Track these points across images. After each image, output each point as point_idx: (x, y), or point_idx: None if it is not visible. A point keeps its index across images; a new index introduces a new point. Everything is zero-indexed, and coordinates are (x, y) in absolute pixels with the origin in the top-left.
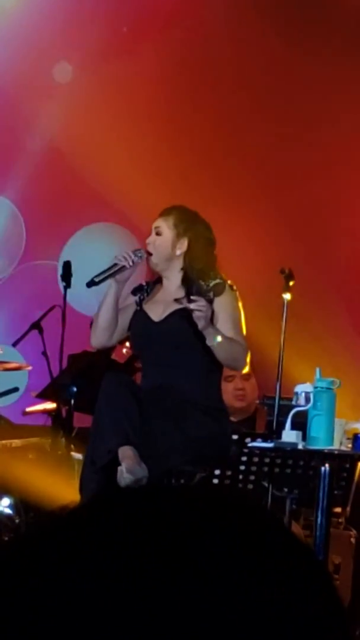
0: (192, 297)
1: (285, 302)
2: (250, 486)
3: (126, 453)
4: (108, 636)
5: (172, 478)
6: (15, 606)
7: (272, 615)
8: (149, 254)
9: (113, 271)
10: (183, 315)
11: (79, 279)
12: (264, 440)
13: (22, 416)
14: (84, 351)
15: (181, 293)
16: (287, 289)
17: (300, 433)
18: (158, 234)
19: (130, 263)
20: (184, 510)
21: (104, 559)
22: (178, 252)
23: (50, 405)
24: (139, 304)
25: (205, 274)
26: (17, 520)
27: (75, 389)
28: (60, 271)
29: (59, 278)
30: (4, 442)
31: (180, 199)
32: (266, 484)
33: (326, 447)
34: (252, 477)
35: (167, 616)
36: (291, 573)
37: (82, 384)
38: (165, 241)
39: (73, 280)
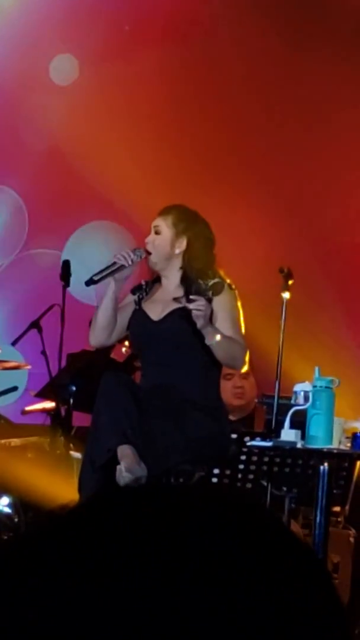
0: (191, 297)
1: (284, 301)
2: (249, 485)
3: (125, 452)
4: (108, 635)
5: (171, 477)
6: (15, 605)
7: (271, 614)
8: (148, 253)
9: (112, 270)
10: (182, 315)
11: (79, 275)
12: (263, 439)
13: (21, 415)
14: (83, 350)
15: (180, 292)
16: (286, 287)
17: (299, 432)
18: (157, 233)
19: (130, 262)
20: (183, 509)
21: (103, 558)
22: (177, 251)
23: (49, 405)
24: (138, 303)
25: (204, 273)
26: (16, 519)
27: (74, 388)
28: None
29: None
30: (3, 441)
31: (180, 198)
32: (265, 483)
33: (325, 446)
34: (251, 476)
35: (167, 615)
36: (290, 572)
37: (81, 383)
38: (164, 240)
39: (72, 278)
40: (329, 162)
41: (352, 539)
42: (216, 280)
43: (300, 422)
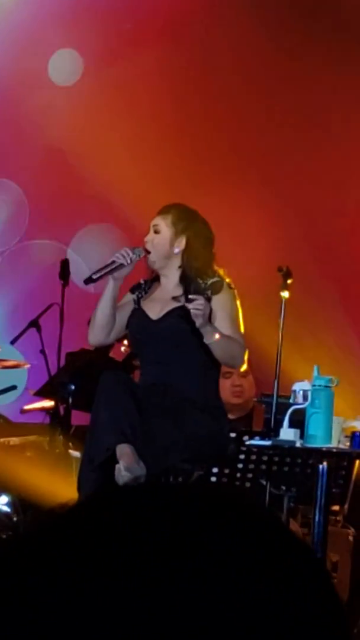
0: (190, 296)
1: (283, 300)
2: (248, 484)
3: (124, 451)
4: (107, 634)
5: (170, 476)
6: (15, 605)
7: (270, 613)
8: (147, 252)
9: (111, 269)
10: (181, 314)
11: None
12: (262, 438)
13: (20, 414)
14: (82, 349)
15: (179, 291)
16: (285, 286)
17: (298, 431)
18: (156, 232)
19: (129, 261)
20: (182, 508)
21: (102, 557)
22: (176, 250)
23: (48, 403)
24: (137, 302)
25: (203, 272)
26: (15, 518)
27: (73, 387)
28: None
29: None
30: (2, 440)
31: (180, 197)
32: (264, 482)
33: (324, 445)
34: (250, 475)
35: (166, 614)
36: (289, 571)
37: (80, 382)
38: (164, 239)
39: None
40: (328, 162)
41: (351, 538)
42: (215, 279)
43: (299, 421)
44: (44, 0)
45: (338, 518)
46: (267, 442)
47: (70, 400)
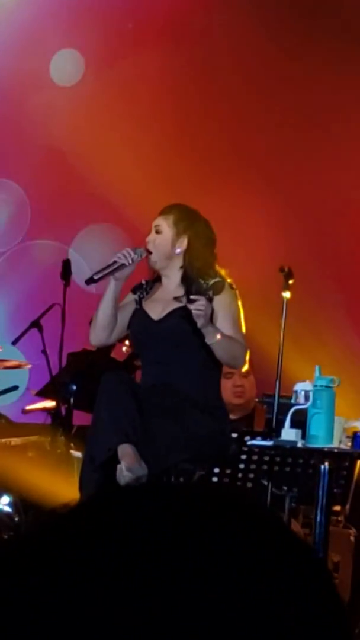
0: (192, 297)
1: (285, 300)
2: (249, 484)
3: (126, 451)
4: (108, 634)
5: (172, 476)
6: (16, 605)
7: (271, 613)
8: (149, 252)
9: (112, 269)
10: (182, 314)
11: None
12: (264, 439)
13: (21, 414)
14: (83, 349)
15: (181, 291)
16: (287, 287)
17: (299, 431)
18: (158, 232)
19: (130, 261)
20: (183, 508)
21: (103, 557)
22: (178, 250)
23: (49, 404)
24: (139, 302)
25: (204, 273)
26: (16, 519)
27: (74, 387)
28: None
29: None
30: (3, 440)
31: (181, 198)
32: (265, 482)
33: (326, 446)
34: (251, 475)
35: (167, 614)
36: (291, 571)
37: (82, 382)
38: (165, 239)
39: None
40: (330, 162)
41: (352, 538)
42: (217, 279)
43: (300, 421)
44: (45, 0)
45: (339, 518)
46: (269, 443)
47: (71, 400)
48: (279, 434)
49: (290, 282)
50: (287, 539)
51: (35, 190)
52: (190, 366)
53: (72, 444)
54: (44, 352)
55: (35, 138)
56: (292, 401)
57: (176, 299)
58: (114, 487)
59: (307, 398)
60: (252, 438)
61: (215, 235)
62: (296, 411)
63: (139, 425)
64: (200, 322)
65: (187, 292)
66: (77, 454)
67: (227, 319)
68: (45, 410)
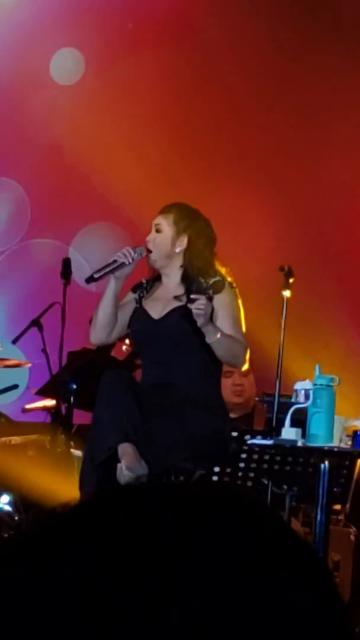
0: (192, 296)
1: (285, 299)
2: (249, 483)
3: (126, 450)
4: (109, 634)
5: (172, 475)
6: (16, 604)
7: (272, 613)
8: (149, 251)
9: (112, 268)
10: (183, 313)
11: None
12: (264, 438)
13: (21, 413)
14: (83, 348)
15: (181, 290)
16: (287, 286)
17: (299, 430)
18: (158, 231)
19: (130, 260)
20: (183, 507)
21: (104, 557)
22: (178, 249)
23: (49, 402)
24: (139, 301)
25: (205, 272)
26: (16, 518)
27: (74, 386)
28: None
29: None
30: (3, 439)
31: (181, 197)
32: (266, 481)
33: (326, 445)
34: (251, 474)
35: (168, 613)
36: (291, 570)
37: (82, 381)
38: (165, 238)
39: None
40: (331, 161)
41: (352, 537)
42: (217, 278)
43: (300, 420)
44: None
45: (340, 517)
46: (269, 442)
47: (71, 399)
48: (279, 433)
49: (291, 280)
50: (288, 538)
51: (35, 190)
52: (191, 365)
53: (72, 443)
54: (44, 351)
55: (35, 137)
56: (292, 400)
57: (176, 298)
58: (114, 486)
59: (307, 397)
60: (253, 437)
61: (216, 234)
62: (296, 410)
63: (139, 425)
64: (200, 321)
65: (187, 291)
66: (77, 452)
67: (227, 318)
68: (45, 409)
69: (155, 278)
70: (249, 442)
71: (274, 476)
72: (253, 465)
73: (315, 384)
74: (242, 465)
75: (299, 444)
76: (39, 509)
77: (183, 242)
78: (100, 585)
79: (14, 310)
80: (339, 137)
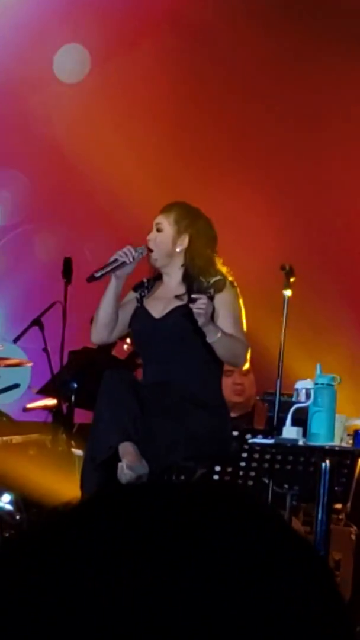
0: (193, 296)
1: (286, 298)
2: (250, 482)
3: (127, 449)
4: (110, 633)
5: (173, 475)
6: (17, 603)
7: (273, 612)
8: (150, 250)
9: (113, 267)
10: (184, 312)
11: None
12: (265, 437)
13: (22, 412)
14: (84, 347)
15: (182, 290)
16: (288, 285)
17: (300, 429)
18: (159, 230)
19: (131, 259)
20: (184, 506)
21: (105, 556)
22: (179, 248)
23: (50, 402)
24: (140, 300)
25: (205, 271)
26: (17, 517)
27: (75, 385)
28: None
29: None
30: (4, 438)
31: (182, 196)
32: (266, 480)
33: (327, 444)
34: (252, 474)
35: (168, 612)
36: (292, 569)
37: (83, 380)
38: (166, 238)
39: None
40: (331, 160)
41: (353, 537)
42: (218, 277)
43: (301, 419)
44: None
45: (340, 516)
46: (270, 441)
47: (72, 398)
48: (280, 432)
49: (292, 280)
50: (289, 537)
51: (36, 188)
52: (191, 364)
53: (73, 442)
54: (45, 350)
55: (39, 134)
56: (293, 399)
57: (177, 297)
58: (115, 485)
59: (308, 396)
60: (253, 436)
61: (216, 234)
62: (297, 409)
63: (140, 424)
64: (201, 321)
65: (188, 291)
66: (78, 452)
67: (228, 317)
68: (46, 408)
69: (156, 277)
70: (250, 441)
71: (275, 475)
72: (254, 464)
73: (316, 383)
74: (243, 464)
75: (300, 443)
76: (40, 508)
77: (184, 241)
78: (101, 585)
79: (15, 310)
80: (339, 135)
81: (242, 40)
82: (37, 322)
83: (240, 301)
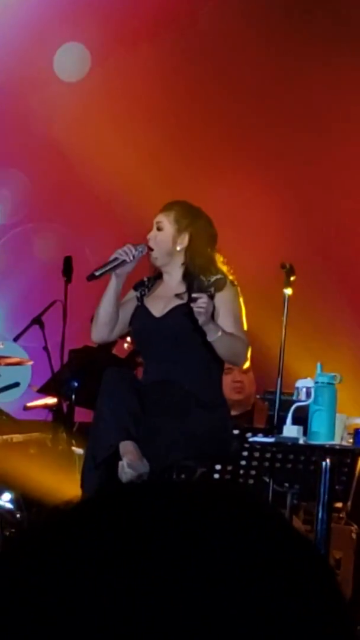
0: (193, 295)
1: (286, 297)
2: (251, 481)
3: (127, 448)
4: (110, 632)
5: (173, 473)
6: (18, 603)
7: (274, 610)
8: (150, 249)
9: (114, 265)
10: (184, 311)
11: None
12: (265, 435)
13: (23, 411)
14: (85, 346)
15: (182, 288)
16: (288, 283)
17: (301, 428)
18: (159, 229)
19: (131, 257)
20: (185, 505)
21: (105, 555)
22: (179, 247)
23: (51, 400)
24: (140, 299)
25: (206, 270)
26: (18, 515)
27: (76, 384)
28: None
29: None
30: (4, 437)
31: (183, 195)
32: (267, 479)
33: (327, 442)
34: (253, 472)
35: (169, 611)
36: (293, 568)
37: (83, 379)
38: (166, 236)
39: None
40: (332, 158)
41: (354, 535)
42: (218, 276)
43: (302, 418)
44: None
45: (341, 515)
46: (270, 439)
47: (73, 397)
48: (280, 431)
49: (292, 278)
50: (289, 535)
51: (36, 187)
52: (192, 363)
53: (73, 441)
54: (45, 348)
55: (39, 132)
56: (294, 398)
57: (177, 296)
58: (115, 484)
59: (308, 395)
60: (254, 435)
61: (217, 232)
62: (298, 408)
63: (140, 423)
64: (201, 320)
65: (189, 289)
66: (79, 450)
67: (228, 316)
68: (46, 407)
69: (157, 276)
70: (250, 440)
71: (276, 474)
72: (254, 463)
73: (316, 382)
74: (243, 463)
75: (301, 441)
76: (41, 507)
77: (184, 240)
78: (102, 584)
79: (15, 308)
80: (340, 134)
81: (242, 40)
82: (37, 320)
83: (241, 300)
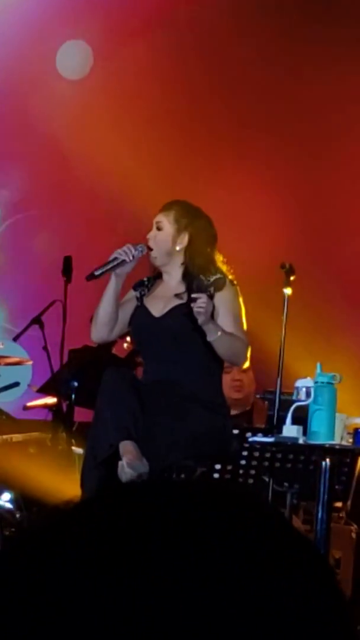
0: (193, 295)
1: (286, 296)
2: (251, 481)
3: (127, 448)
4: (110, 632)
5: (173, 473)
6: (16, 603)
7: (273, 610)
8: (150, 249)
9: (113, 265)
10: (183, 311)
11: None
12: (265, 435)
13: (22, 411)
14: (84, 346)
15: (182, 288)
16: (288, 283)
17: (300, 428)
18: (159, 228)
19: (131, 257)
20: (185, 505)
21: (105, 554)
22: (178, 247)
23: (51, 400)
24: (140, 299)
25: (206, 269)
26: (17, 515)
27: (76, 384)
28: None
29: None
30: (4, 436)
31: (182, 194)
32: (267, 479)
33: (327, 442)
34: (252, 472)
35: (169, 610)
36: (292, 567)
37: (83, 378)
38: (166, 236)
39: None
40: (331, 158)
41: (354, 535)
42: (218, 276)
43: (302, 417)
44: None
45: (341, 515)
46: (270, 439)
47: (73, 397)
48: (280, 431)
49: (292, 278)
50: (289, 535)
51: (36, 185)
52: (191, 363)
53: (73, 441)
54: (45, 348)
55: (41, 130)
56: (294, 397)
57: (177, 295)
58: (115, 483)
59: (308, 394)
60: (254, 435)
61: (216, 232)
62: (297, 407)
63: (140, 422)
64: (201, 320)
65: (188, 289)
66: (78, 450)
67: (228, 315)
68: (46, 406)
69: (156, 276)
70: (250, 439)
71: (275, 474)
72: (254, 462)
73: (316, 382)
74: (243, 462)
75: (300, 441)
76: (41, 506)
77: (184, 239)
78: (102, 584)
79: (15, 308)
80: (340, 133)
81: (242, 40)
82: (37, 320)
83: (241, 299)
